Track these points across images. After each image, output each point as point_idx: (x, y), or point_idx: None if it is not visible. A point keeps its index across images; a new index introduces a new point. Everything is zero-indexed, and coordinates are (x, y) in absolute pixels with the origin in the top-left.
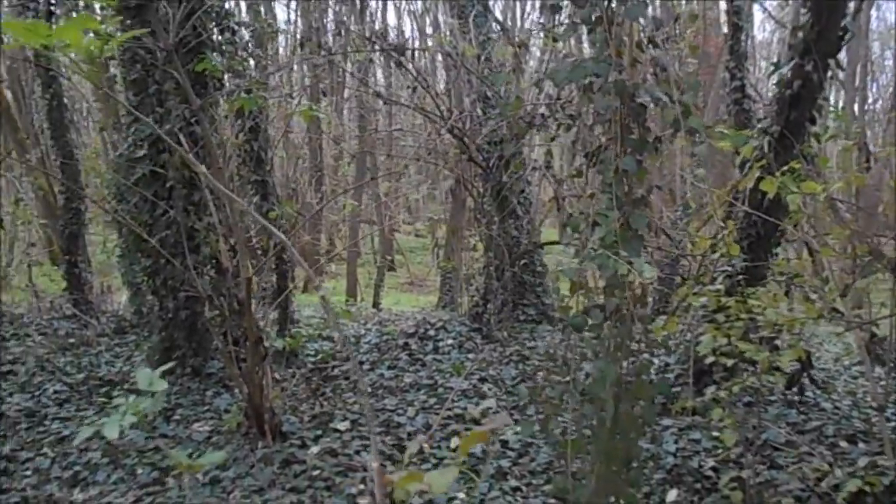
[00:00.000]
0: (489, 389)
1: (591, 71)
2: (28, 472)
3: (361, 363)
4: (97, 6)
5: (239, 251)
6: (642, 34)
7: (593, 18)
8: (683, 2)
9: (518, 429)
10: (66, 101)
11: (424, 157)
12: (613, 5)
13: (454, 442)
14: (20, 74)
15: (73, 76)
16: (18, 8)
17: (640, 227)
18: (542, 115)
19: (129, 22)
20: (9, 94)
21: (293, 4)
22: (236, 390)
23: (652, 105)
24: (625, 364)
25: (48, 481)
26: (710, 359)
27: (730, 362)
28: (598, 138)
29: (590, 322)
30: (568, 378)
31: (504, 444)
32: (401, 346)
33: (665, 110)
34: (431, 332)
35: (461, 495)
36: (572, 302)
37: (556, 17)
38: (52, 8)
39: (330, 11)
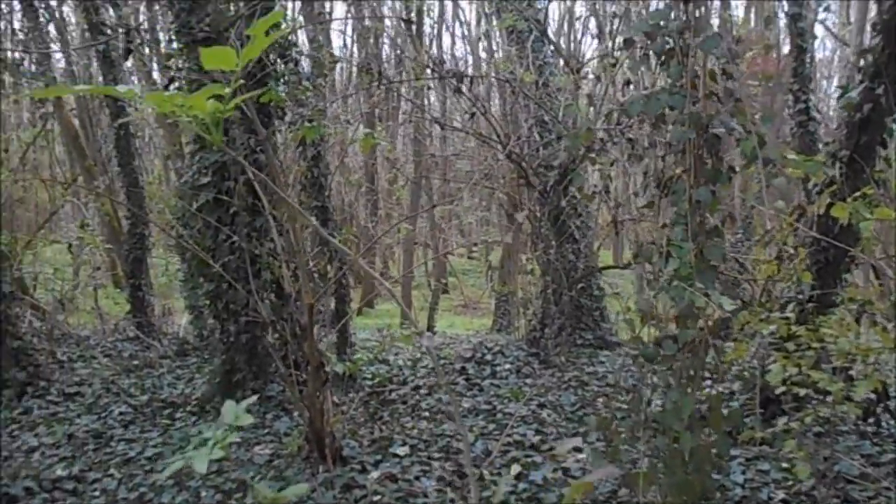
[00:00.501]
0: (548, 416)
1: (665, 103)
2: (96, 493)
3: (419, 388)
4: (165, 39)
5: (301, 276)
6: (716, 65)
7: (665, 50)
8: (738, 19)
9: (580, 457)
10: (132, 129)
11: (481, 182)
12: (687, 38)
13: (514, 469)
14: (88, 104)
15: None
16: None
17: (714, 257)
18: (602, 139)
19: (194, 55)
20: (77, 123)
21: (348, 30)
22: (296, 414)
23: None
24: (696, 394)
25: (115, 502)
26: (780, 388)
27: (802, 392)
28: (671, 168)
29: (662, 353)
30: (639, 408)
31: (565, 471)
32: (458, 371)
33: (742, 142)
34: (489, 357)
35: None
36: (637, 329)
37: (615, 44)
38: (129, 46)
39: (385, 37)
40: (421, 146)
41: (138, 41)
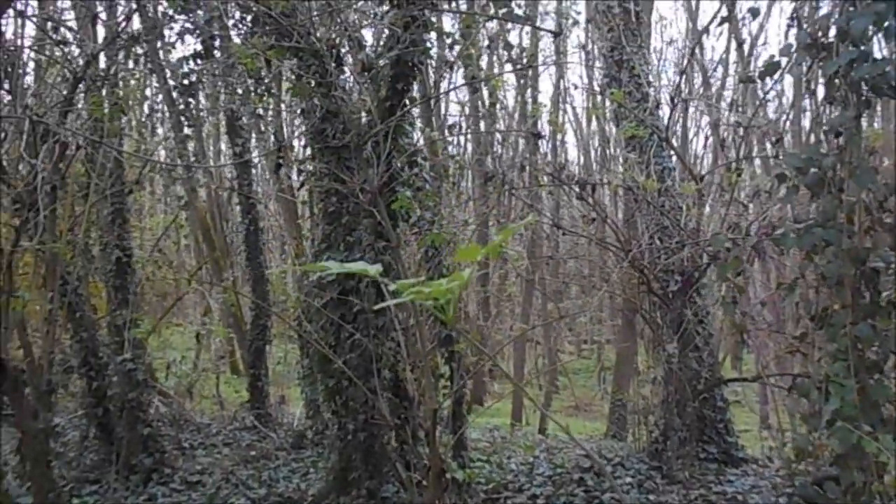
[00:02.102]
0: None
1: (820, 237)
2: None
3: (535, 497)
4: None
5: (425, 380)
6: (870, 199)
7: (818, 184)
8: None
9: None
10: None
11: (601, 285)
12: (840, 172)
13: None
14: (219, 200)
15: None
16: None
17: (879, 396)
18: (728, 248)
19: (327, 160)
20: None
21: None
22: None
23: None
24: None
25: None
26: None
27: None
28: (824, 300)
29: (823, 494)
30: None
31: None
32: (576, 482)
33: None
34: (608, 468)
35: None
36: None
37: (740, 154)
38: (280, 161)
39: (498, 135)
40: (536, 245)
41: (286, 145)
